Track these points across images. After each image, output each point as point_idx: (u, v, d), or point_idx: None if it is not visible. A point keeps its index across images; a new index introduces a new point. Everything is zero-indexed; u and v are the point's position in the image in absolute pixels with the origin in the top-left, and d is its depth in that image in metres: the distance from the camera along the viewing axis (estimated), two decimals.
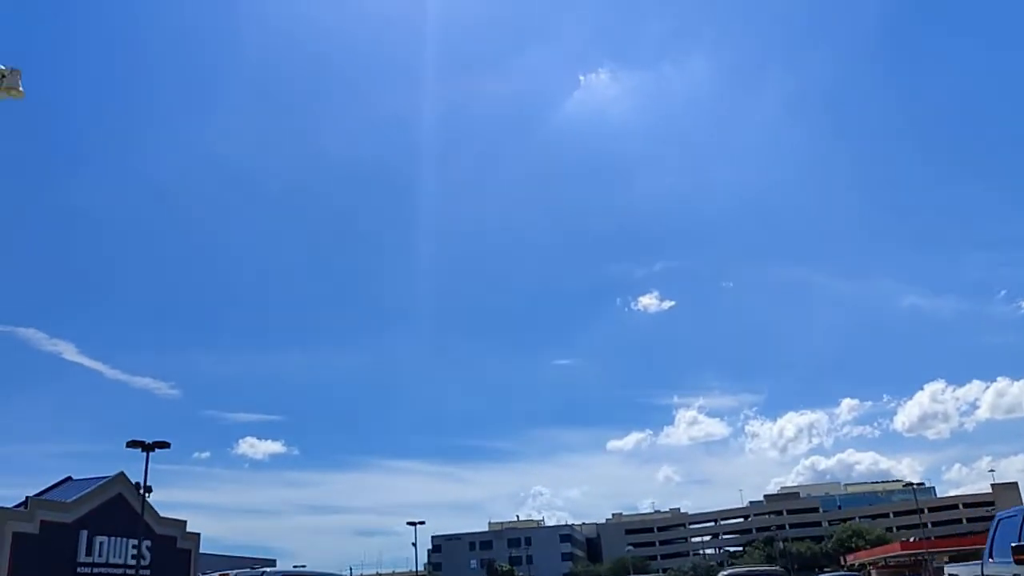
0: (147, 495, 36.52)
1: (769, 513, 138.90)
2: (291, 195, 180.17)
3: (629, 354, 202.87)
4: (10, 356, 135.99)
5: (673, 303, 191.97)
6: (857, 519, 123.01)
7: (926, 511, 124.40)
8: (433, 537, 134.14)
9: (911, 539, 76.97)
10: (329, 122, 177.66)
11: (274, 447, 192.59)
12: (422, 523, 73.49)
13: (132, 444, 37.24)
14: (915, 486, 77.91)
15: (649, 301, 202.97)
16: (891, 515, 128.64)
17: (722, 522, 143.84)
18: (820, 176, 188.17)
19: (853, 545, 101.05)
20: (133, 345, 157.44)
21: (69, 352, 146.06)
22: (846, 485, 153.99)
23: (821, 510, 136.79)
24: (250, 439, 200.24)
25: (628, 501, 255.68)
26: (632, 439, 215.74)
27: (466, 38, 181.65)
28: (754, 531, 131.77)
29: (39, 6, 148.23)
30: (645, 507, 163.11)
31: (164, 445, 37.94)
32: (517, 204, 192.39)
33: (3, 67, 8.74)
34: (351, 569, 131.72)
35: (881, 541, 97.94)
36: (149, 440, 37.14)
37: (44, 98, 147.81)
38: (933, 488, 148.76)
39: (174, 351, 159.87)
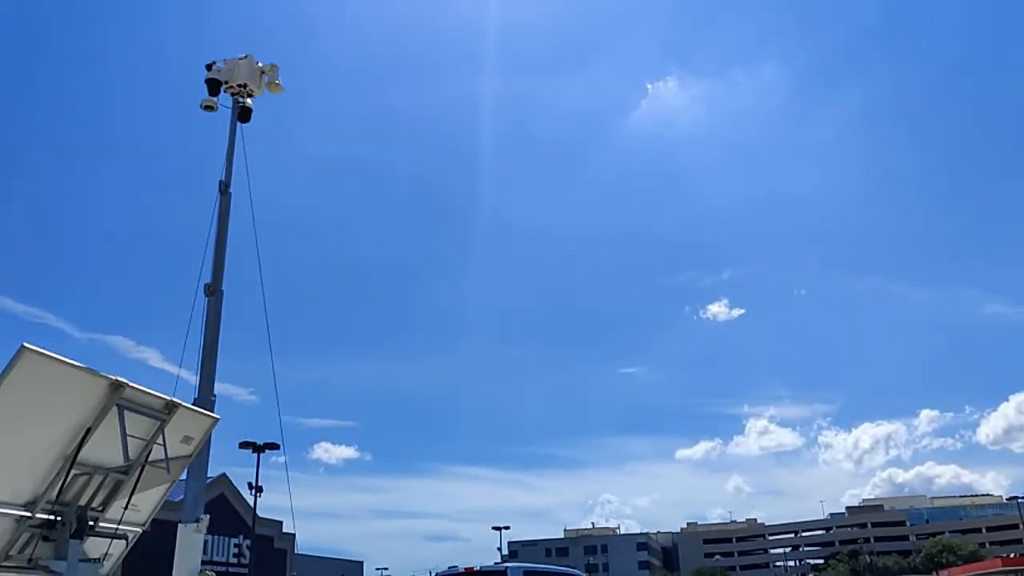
0: (259, 495, 38.14)
1: (852, 526, 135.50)
2: (357, 214, 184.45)
3: (697, 362, 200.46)
4: (100, 363, 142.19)
5: (743, 311, 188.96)
6: (947, 533, 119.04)
7: (1022, 526, 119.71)
8: (510, 543, 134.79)
9: (1011, 555, 74.25)
10: (393, 141, 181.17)
11: (347, 452, 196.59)
12: (507, 528, 74.48)
13: (244, 445, 39.18)
14: (1020, 500, 74.83)
15: (718, 309, 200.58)
16: (984, 530, 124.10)
17: (803, 534, 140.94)
18: (894, 185, 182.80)
19: (944, 560, 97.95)
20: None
21: (154, 359, 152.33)
22: (932, 499, 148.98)
23: (908, 523, 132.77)
24: (325, 444, 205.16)
25: (697, 511, 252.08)
26: (701, 448, 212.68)
27: (532, 46, 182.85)
28: (837, 544, 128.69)
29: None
30: (714, 517, 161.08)
31: (274, 447, 39.78)
32: (584, 212, 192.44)
33: (262, 64, 9.35)
34: (430, 573, 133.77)
35: (974, 557, 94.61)
36: (260, 442, 39.01)
37: (119, 106, 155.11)
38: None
39: (252, 358, 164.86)
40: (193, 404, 6.03)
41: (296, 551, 65.64)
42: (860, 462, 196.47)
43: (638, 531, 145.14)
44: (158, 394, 5.33)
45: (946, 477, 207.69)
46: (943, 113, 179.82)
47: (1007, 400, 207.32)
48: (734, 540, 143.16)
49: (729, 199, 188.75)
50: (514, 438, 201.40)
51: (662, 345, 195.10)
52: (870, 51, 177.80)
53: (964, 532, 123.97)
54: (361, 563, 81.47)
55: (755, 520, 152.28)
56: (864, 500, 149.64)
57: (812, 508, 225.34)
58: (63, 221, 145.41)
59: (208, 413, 5.91)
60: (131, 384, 4.99)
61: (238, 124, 8.83)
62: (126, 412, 5.04)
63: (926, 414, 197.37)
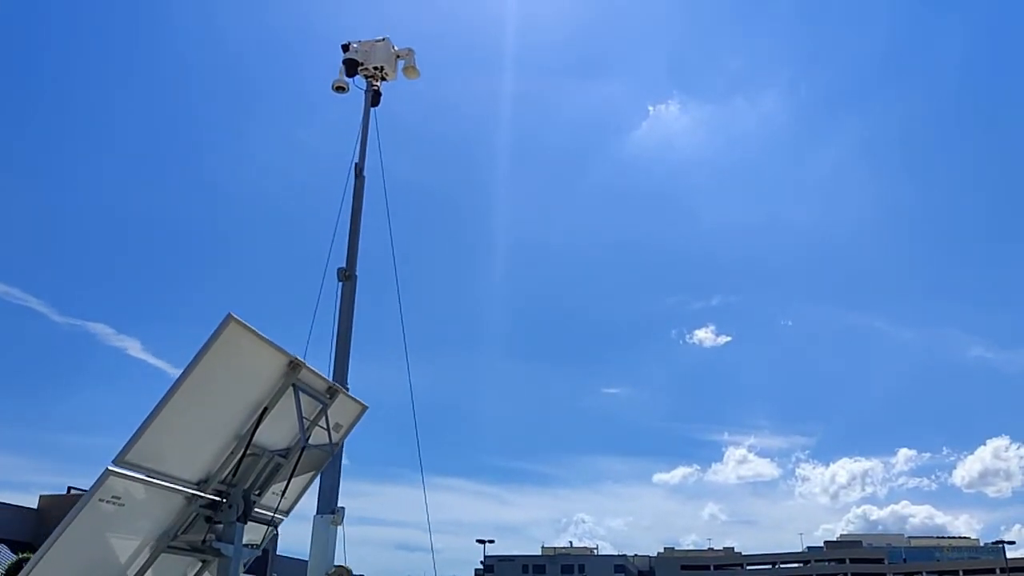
0: None
1: (830, 560, 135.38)
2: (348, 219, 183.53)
3: (681, 387, 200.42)
4: (79, 349, 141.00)
5: (729, 338, 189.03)
6: (923, 574, 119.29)
7: (998, 572, 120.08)
8: (486, 557, 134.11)
9: None
10: (396, 145, 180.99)
11: None
12: (491, 542, 73.97)
13: None
14: (1003, 544, 74.92)
15: (705, 335, 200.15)
16: (961, 573, 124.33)
17: (780, 565, 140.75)
18: (889, 220, 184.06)
19: None
20: (195, 346, 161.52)
21: (134, 348, 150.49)
22: (910, 538, 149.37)
23: (887, 562, 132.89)
24: None
25: (671, 535, 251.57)
26: (679, 473, 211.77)
27: (539, 66, 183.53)
28: None
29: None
30: (688, 543, 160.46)
31: None
32: (578, 228, 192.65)
33: (398, 48, 9.11)
34: None
35: None
36: None
37: (114, 99, 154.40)
38: (1003, 548, 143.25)
39: None
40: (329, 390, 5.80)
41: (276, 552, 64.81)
42: (836, 497, 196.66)
43: (613, 552, 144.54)
44: (323, 376, 5.13)
45: (920, 517, 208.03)
46: (943, 149, 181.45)
47: (984, 444, 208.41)
48: (712, 568, 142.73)
49: (723, 225, 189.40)
50: (491, 451, 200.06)
51: (647, 367, 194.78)
52: (872, 84, 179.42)
53: (941, 574, 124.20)
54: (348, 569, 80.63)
55: (732, 548, 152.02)
56: (842, 535, 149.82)
57: (785, 540, 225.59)
58: (51, 205, 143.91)
59: (358, 400, 5.69)
60: (305, 364, 4.79)
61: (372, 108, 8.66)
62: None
63: (904, 452, 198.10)
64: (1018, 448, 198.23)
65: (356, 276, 8.19)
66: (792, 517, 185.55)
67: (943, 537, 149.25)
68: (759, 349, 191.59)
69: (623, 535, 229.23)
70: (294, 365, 4.69)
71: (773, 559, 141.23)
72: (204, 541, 4.47)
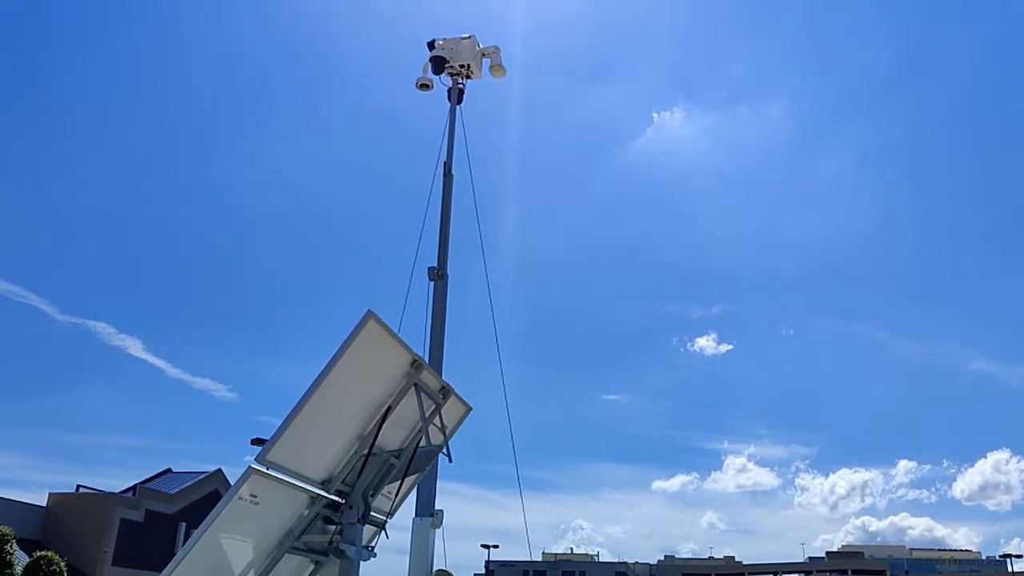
0: None
1: (832, 571, 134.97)
2: (350, 221, 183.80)
3: (681, 395, 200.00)
4: (80, 347, 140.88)
5: (731, 346, 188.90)
6: None
7: None
8: (487, 562, 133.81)
9: None
10: (392, 155, 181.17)
11: None
12: (495, 547, 73.63)
13: (256, 442, 38.41)
14: (1010, 557, 74.52)
15: (706, 343, 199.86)
16: None
17: (782, 575, 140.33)
18: (892, 232, 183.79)
19: None
20: (196, 346, 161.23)
21: (135, 348, 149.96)
22: (912, 550, 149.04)
23: (889, 573, 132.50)
24: None
25: (669, 544, 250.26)
26: (678, 481, 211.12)
27: (542, 68, 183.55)
28: None
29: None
30: (686, 552, 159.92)
31: None
32: (580, 235, 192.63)
33: (483, 46, 8.98)
34: None
35: None
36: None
37: (118, 99, 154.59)
38: (1006, 562, 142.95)
39: (234, 355, 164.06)
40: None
41: None
42: (835, 507, 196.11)
43: (612, 560, 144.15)
44: (437, 376, 5.07)
45: (919, 529, 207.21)
46: (947, 161, 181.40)
47: (984, 457, 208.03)
48: None
49: (726, 233, 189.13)
50: (487, 455, 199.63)
51: (647, 374, 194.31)
52: (879, 96, 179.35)
53: None
54: None
55: (732, 557, 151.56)
56: (844, 546, 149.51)
57: (784, 550, 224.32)
58: (52, 203, 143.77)
59: (465, 401, 5.62)
60: (424, 363, 4.73)
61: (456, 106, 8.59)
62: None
63: (904, 464, 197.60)
64: (1019, 461, 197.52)
65: (447, 275, 8.14)
66: (791, 527, 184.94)
67: (944, 550, 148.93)
68: (760, 358, 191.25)
69: (621, 542, 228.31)
70: (417, 365, 4.63)
71: (774, 568, 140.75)
72: (331, 542, 4.39)
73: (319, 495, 4.47)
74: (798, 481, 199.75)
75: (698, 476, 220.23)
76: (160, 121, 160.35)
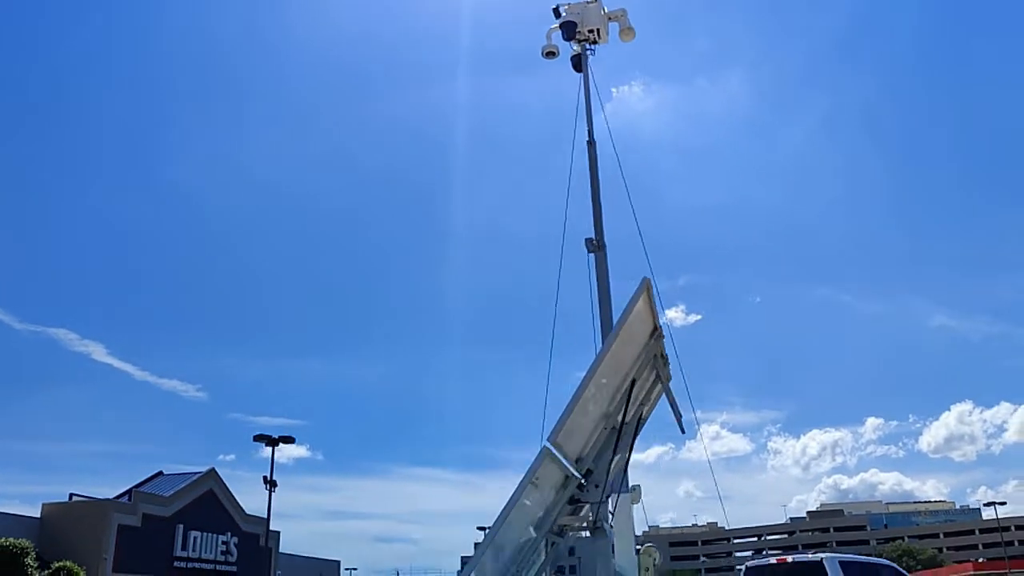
0: (273, 489, 37.08)
1: (815, 530, 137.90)
2: (318, 204, 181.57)
3: None
4: (42, 355, 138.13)
5: (699, 317, 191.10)
6: (905, 539, 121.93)
7: (977, 532, 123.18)
8: (476, 544, 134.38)
9: (979, 560, 76.29)
10: (356, 130, 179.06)
11: (299, 451, 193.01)
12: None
13: (259, 438, 38.06)
14: (996, 505, 76.43)
15: (675, 314, 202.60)
16: (942, 535, 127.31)
17: (766, 537, 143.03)
18: (851, 196, 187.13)
19: (905, 565, 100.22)
20: (161, 348, 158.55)
21: (99, 353, 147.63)
22: (887, 504, 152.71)
23: (869, 528, 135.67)
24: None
25: (648, 515, 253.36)
26: (653, 452, 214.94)
27: (496, 44, 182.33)
28: (800, 547, 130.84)
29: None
30: (665, 521, 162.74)
31: (289, 440, 38.76)
32: (545, 215, 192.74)
33: (608, 9, 8.64)
34: (398, 573, 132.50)
35: (933, 562, 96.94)
36: (275, 435, 37.91)
37: (72, 103, 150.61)
38: (979, 510, 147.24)
39: (201, 355, 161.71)
40: None
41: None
42: (807, 468, 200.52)
43: None
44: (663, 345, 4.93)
45: (888, 484, 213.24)
46: (905, 125, 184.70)
47: (948, 410, 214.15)
48: (699, 543, 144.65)
49: (690, 205, 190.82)
50: (467, 439, 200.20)
51: None
52: (835, 62, 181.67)
53: (921, 537, 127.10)
54: (338, 563, 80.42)
55: (715, 524, 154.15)
56: (823, 504, 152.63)
57: (761, 513, 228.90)
58: (6, 210, 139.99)
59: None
60: (662, 331, 4.59)
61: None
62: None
63: (871, 422, 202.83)
64: (981, 412, 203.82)
65: (605, 244, 7.97)
66: (766, 490, 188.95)
67: (919, 502, 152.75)
68: (729, 327, 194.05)
69: None
70: (658, 335, 4.50)
71: (758, 531, 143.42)
72: (595, 521, 4.26)
73: (573, 475, 4.33)
74: (771, 445, 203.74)
75: (673, 447, 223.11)
76: (118, 122, 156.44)
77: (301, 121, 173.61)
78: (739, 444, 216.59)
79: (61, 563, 28.74)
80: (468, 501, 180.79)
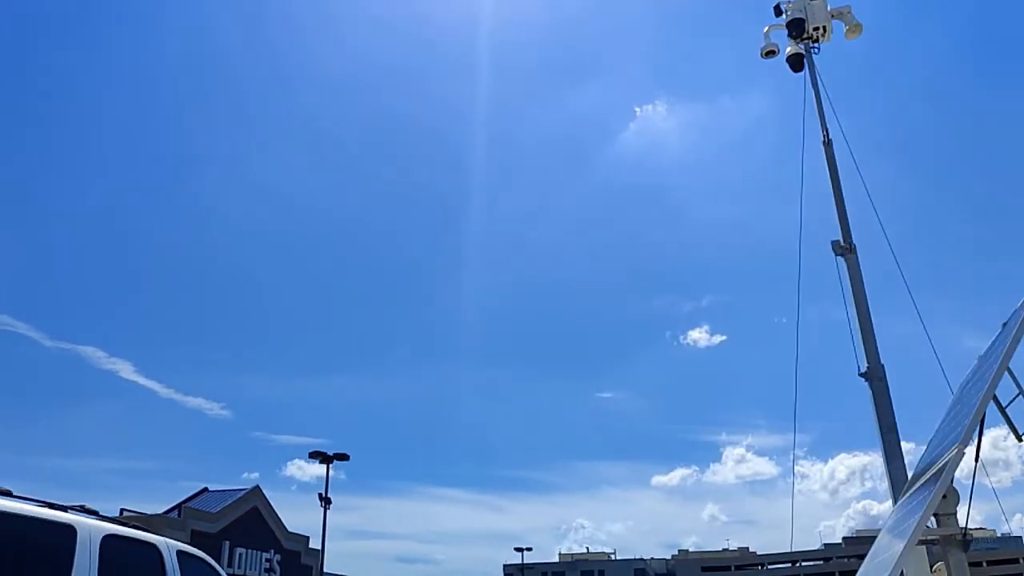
0: (327, 507, 36.98)
1: (850, 556, 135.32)
2: (340, 225, 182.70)
3: (676, 389, 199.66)
4: (71, 372, 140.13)
5: (724, 338, 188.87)
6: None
7: (1021, 562, 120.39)
8: (505, 566, 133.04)
9: None
10: (379, 151, 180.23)
11: (321, 470, 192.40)
12: (529, 549, 73.11)
13: (314, 455, 38.05)
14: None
15: (699, 335, 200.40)
16: (984, 564, 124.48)
17: (801, 563, 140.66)
18: (885, 216, 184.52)
19: None
20: (186, 365, 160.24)
21: (126, 371, 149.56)
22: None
23: None
24: (298, 461, 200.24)
25: (671, 538, 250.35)
26: (677, 475, 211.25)
27: (521, 67, 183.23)
28: (837, 574, 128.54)
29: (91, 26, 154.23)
30: (689, 545, 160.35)
31: (343, 457, 38.69)
32: (567, 234, 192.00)
33: (832, 7, 8.52)
34: None
35: None
36: (330, 452, 37.90)
37: (99, 125, 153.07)
38: (1020, 538, 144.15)
39: (225, 373, 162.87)
40: (864, 375, 5.44)
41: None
42: (836, 493, 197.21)
43: (629, 557, 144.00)
44: None
45: None
46: (931, 147, 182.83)
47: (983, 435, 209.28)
48: (732, 568, 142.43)
49: (713, 224, 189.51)
50: (488, 460, 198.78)
51: (641, 370, 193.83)
52: (857, 83, 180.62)
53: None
54: None
55: (747, 549, 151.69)
56: (858, 532, 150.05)
57: (785, 539, 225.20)
58: (38, 230, 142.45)
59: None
60: None
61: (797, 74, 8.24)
62: None
63: (903, 446, 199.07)
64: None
65: (855, 246, 7.80)
66: (790, 515, 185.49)
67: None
68: (754, 347, 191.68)
69: (623, 539, 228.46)
70: None
71: (792, 558, 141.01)
72: (964, 534, 4.07)
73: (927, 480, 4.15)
74: (797, 468, 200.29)
75: (697, 469, 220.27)
76: (141, 139, 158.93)
77: (321, 136, 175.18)
78: (765, 467, 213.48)
79: None
80: (490, 522, 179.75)
